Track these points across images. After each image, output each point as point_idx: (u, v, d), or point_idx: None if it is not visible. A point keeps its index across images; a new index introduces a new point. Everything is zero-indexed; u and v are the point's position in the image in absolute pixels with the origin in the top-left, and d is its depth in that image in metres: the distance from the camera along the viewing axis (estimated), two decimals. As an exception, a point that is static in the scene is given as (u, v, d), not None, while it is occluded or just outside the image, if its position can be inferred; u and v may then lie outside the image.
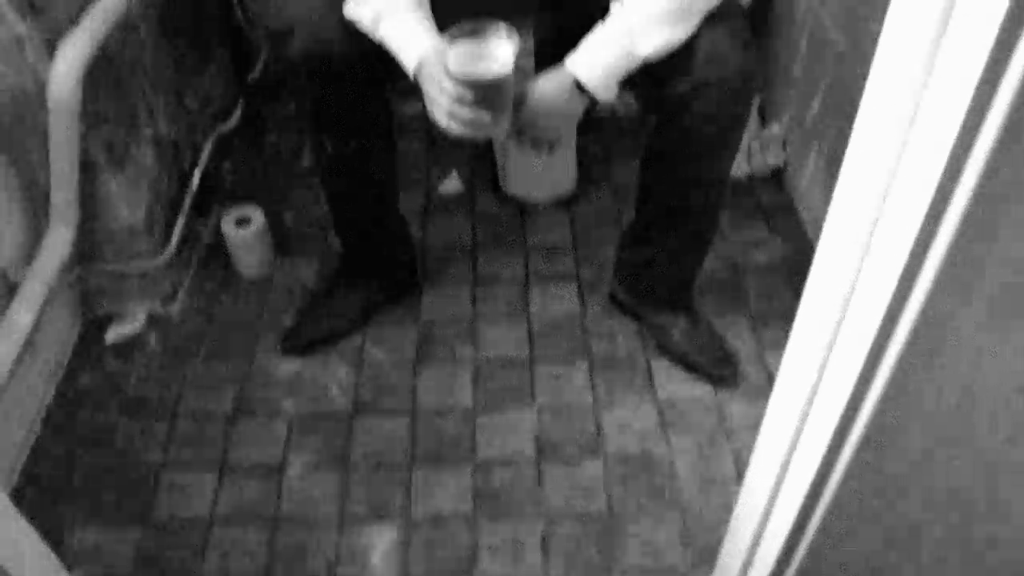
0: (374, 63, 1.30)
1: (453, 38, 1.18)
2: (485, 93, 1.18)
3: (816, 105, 1.76)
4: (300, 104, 1.39)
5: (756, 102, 2.00)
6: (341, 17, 1.29)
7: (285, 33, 1.30)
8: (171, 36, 1.79)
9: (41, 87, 1.34)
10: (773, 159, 1.97)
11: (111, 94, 1.52)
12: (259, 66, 2.25)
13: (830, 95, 1.69)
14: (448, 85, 1.17)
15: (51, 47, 1.34)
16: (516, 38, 1.18)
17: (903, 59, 0.47)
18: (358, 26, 1.28)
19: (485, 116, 1.19)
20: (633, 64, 1.24)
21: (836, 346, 0.64)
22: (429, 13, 1.28)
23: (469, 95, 1.17)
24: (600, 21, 1.25)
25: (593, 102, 1.29)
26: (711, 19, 1.23)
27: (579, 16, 1.29)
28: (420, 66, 1.23)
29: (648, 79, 1.30)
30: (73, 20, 1.38)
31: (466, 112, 1.18)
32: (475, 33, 1.19)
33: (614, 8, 1.23)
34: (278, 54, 2.16)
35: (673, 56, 1.23)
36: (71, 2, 1.39)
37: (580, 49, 1.26)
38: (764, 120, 2.04)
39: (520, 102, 1.28)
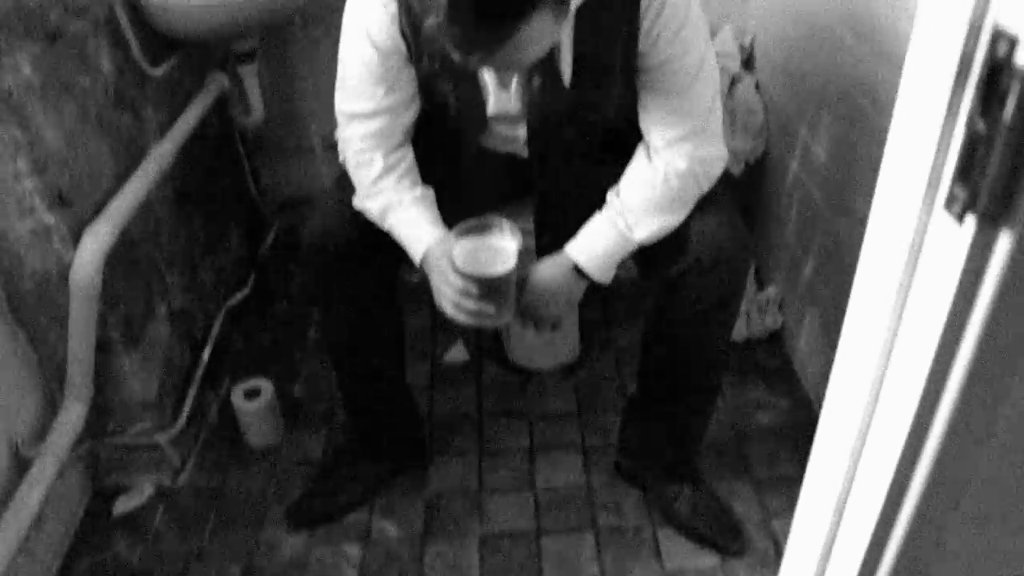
0: (382, 246, 1.37)
1: (459, 234, 1.26)
2: (489, 288, 1.24)
3: (809, 270, 1.82)
4: (310, 280, 1.45)
5: (751, 267, 2.06)
6: (351, 204, 1.37)
7: (298, 217, 1.38)
8: (187, 213, 1.87)
9: (64, 271, 1.40)
10: (771, 322, 2.02)
11: (129, 273, 1.58)
12: (271, 238, 2.34)
13: (823, 260, 1.75)
14: (454, 279, 1.24)
15: (76, 235, 1.41)
16: (519, 235, 1.25)
17: (895, 232, 0.51)
18: (366, 216, 1.35)
19: (490, 308, 1.25)
20: (629, 248, 1.31)
21: (845, 514, 0.65)
22: (434, 204, 1.36)
23: (474, 289, 1.24)
24: (597, 209, 1.32)
25: (592, 285, 1.35)
26: (703, 203, 1.31)
27: (578, 206, 1.36)
28: (426, 257, 1.31)
29: (645, 258, 1.37)
30: (98, 209, 1.46)
31: (471, 305, 1.25)
32: (480, 229, 1.26)
33: (610, 197, 1.31)
34: (290, 230, 2.26)
35: (668, 238, 1.30)
36: (96, 193, 1.47)
37: (579, 236, 1.33)
38: (760, 283, 2.11)
39: (522, 286, 1.33)
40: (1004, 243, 0.43)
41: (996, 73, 0.41)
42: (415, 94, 1.33)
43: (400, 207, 1.33)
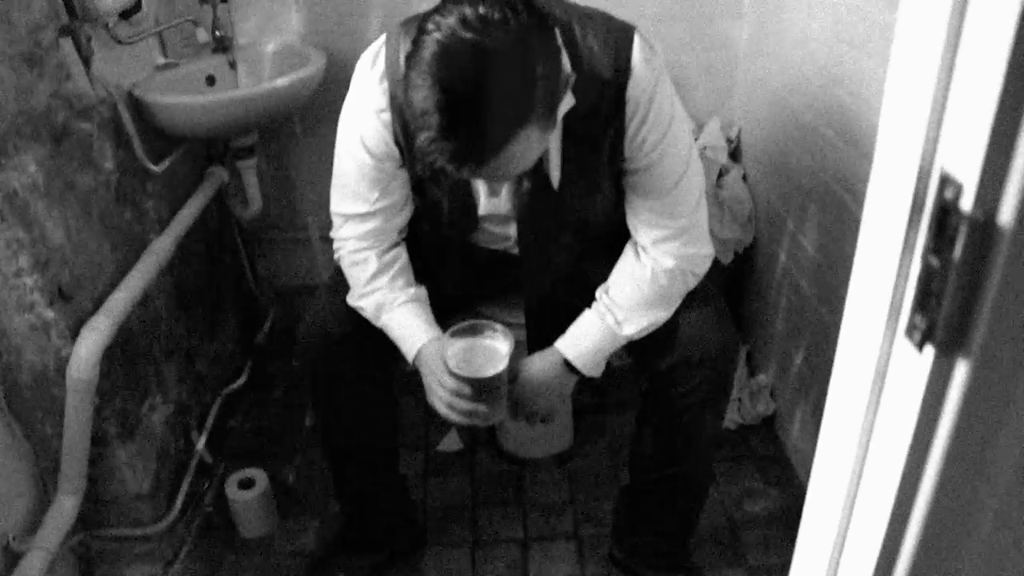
0: (378, 341, 1.39)
1: (452, 336, 1.29)
2: (482, 389, 1.27)
3: (800, 359, 1.84)
4: (306, 373, 1.47)
5: (740, 361, 2.08)
6: (346, 300, 1.40)
7: (295, 306, 1.41)
8: (185, 303, 1.90)
9: (61, 366, 1.42)
10: (763, 408, 2.03)
11: (126, 366, 1.60)
12: (267, 326, 2.36)
13: (812, 350, 1.77)
14: (448, 381, 1.26)
15: (74, 330, 1.43)
16: (511, 336, 1.28)
17: (862, 356, 0.53)
18: (361, 314, 1.38)
19: (482, 408, 1.28)
20: (618, 343, 1.34)
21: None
22: (427, 304, 1.39)
23: (467, 390, 1.26)
24: (587, 306, 1.36)
25: (583, 379, 1.37)
26: (691, 298, 1.34)
27: (568, 302, 1.40)
28: (419, 357, 1.33)
29: (635, 352, 1.39)
30: (97, 303, 1.48)
31: (465, 405, 1.27)
32: (473, 331, 1.30)
33: (599, 294, 1.35)
34: (286, 318, 2.28)
35: (657, 334, 1.33)
36: (96, 287, 1.50)
37: (568, 332, 1.36)
38: (752, 369, 2.12)
39: (513, 379, 1.35)
40: (961, 371, 0.45)
41: (946, 213, 0.44)
42: (408, 196, 1.37)
43: (394, 307, 1.36)
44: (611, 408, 2.15)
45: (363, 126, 1.27)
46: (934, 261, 0.45)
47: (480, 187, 1.33)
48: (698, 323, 1.32)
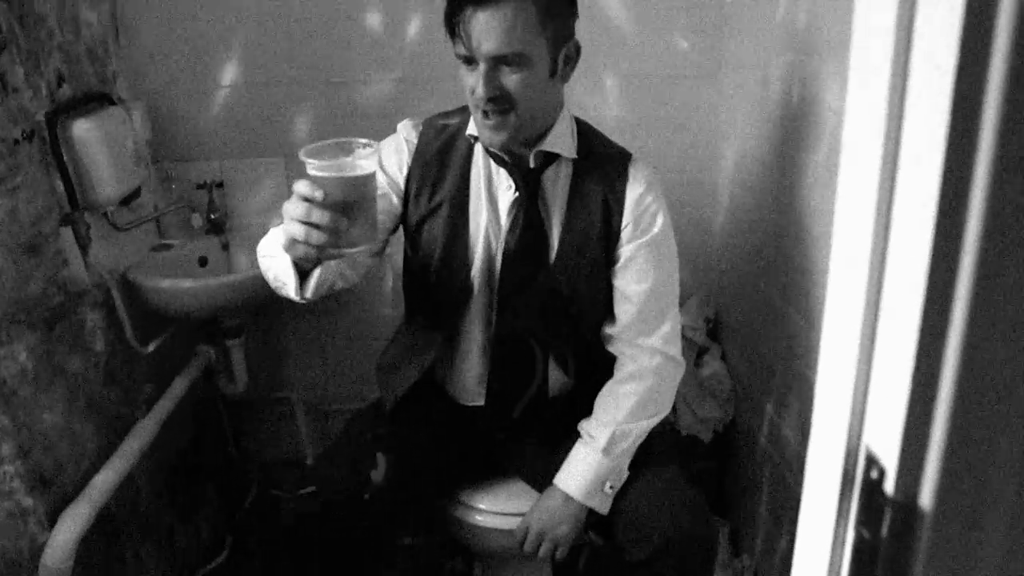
0: (381, 516, 1.41)
1: (309, 152, 1.08)
2: (346, 191, 1.07)
3: (784, 539, 1.83)
4: (302, 542, 1.45)
5: (726, 533, 2.07)
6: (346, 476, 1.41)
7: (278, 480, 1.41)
8: (168, 481, 1.89)
9: (36, 552, 1.41)
10: (748, 590, 2.00)
11: (103, 550, 1.58)
12: (249, 500, 2.33)
13: (797, 529, 1.76)
14: (302, 185, 1.07)
15: (52, 516, 1.42)
16: (378, 149, 1.14)
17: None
18: (259, 254, 1.33)
19: (344, 222, 1.08)
20: (613, 465, 1.38)
21: None
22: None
23: (322, 194, 1.06)
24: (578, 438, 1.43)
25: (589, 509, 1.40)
26: (668, 489, 1.36)
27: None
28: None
29: (611, 540, 1.39)
30: (79, 487, 1.48)
31: (323, 215, 1.06)
32: (336, 148, 1.11)
33: (582, 426, 1.43)
34: (268, 491, 2.26)
35: (632, 524, 1.34)
36: (79, 472, 1.51)
37: (563, 468, 1.41)
38: (736, 550, 2.10)
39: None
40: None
41: (873, 491, 0.47)
42: (385, 235, 1.42)
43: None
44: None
45: (387, 142, 1.41)
46: (866, 533, 0.48)
47: (477, 244, 1.40)
48: (675, 512, 1.33)
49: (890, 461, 0.45)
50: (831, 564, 0.51)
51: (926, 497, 0.45)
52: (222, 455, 2.25)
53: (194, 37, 2.00)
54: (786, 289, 1.73)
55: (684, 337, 2.09)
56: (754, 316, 1.94)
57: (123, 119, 1.72)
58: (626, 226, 1.38)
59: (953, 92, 0.39)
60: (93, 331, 1.61)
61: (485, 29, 1.20)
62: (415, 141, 1.40)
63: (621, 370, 1.44)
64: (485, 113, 1.27)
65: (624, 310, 1.42)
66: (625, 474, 1.40)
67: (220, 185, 2.04)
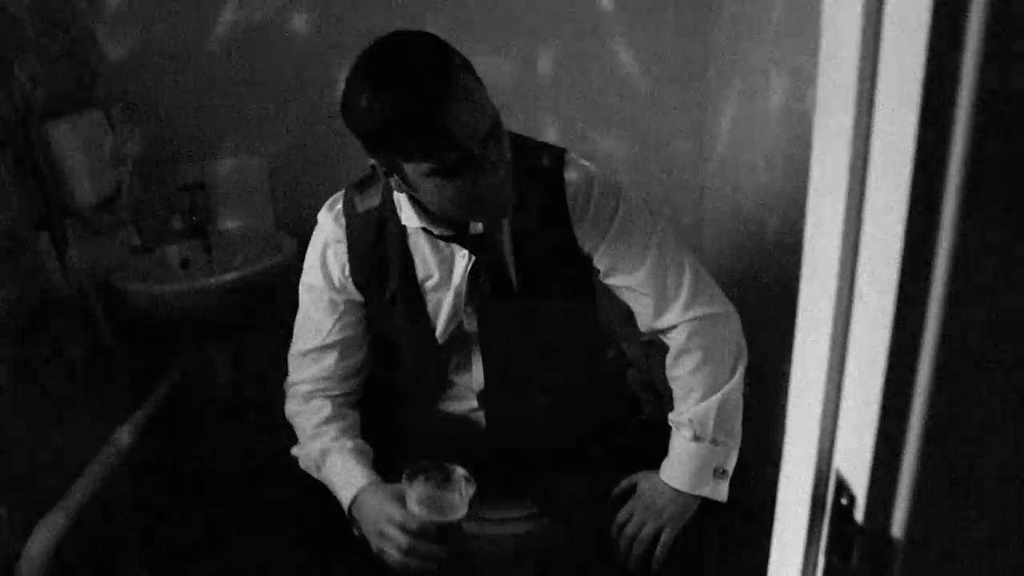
0: None
1: (412, 478, 1.20)
2: (447, 534, 1.20)
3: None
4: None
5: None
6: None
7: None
8: (147, 492, 1.87)
9: (11, 561, 1.38)
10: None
11: (78, 557, 1.55)
12: (231, 505, 2.31)
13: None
14: (411, 522, 1.18)
15: (27, 525, 1.40)
16: (473, 484, 1.22)
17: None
18: (301, 463, 1.35)
19: (443, 553, 1.19)
20: (711, 448, 1.30)
21: None
22: (371, 460, 1.34)
23: (432, 532, 1.18)
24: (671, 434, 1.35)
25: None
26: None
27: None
28: (358, 500, 1.26)
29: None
30: (55, 498, 1.46)
31: (428, 549, 1.18)
32: (432, 474, 1.21)
33: (671, 419, 1.34)
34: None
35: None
36: (57, 478, 1.48)
37: (665, 463, 1.33)
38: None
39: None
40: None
41: (843, 518, 0.46)
42: (365, 338, 1.38)
43: (339, 453, 1.31)
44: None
45: (321, 256, 1.33)
46: (836, 561, 0.46)
47: (443, 310, 1.32)
48: None
49: (860, 487, 0.44)
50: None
51: (897, 526, 0.43)
52: (204, 463, 2.23)
53: (175, 37, 1.97)
54: (772, 296, 1.72)
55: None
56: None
57: (100, 121, 1.69)
58: (583, 226, 1.28)
59: (921, 107, 0.38)
60: (71, 338, 1.59)
61: (467, 110, 1.08)
62: (344, 240, 1.31)
63: (669, 356, 1.34)
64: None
65: (638, 302, 1.33)
66: (733, 455, 1.32)
67: (202, 187, 2.02)
